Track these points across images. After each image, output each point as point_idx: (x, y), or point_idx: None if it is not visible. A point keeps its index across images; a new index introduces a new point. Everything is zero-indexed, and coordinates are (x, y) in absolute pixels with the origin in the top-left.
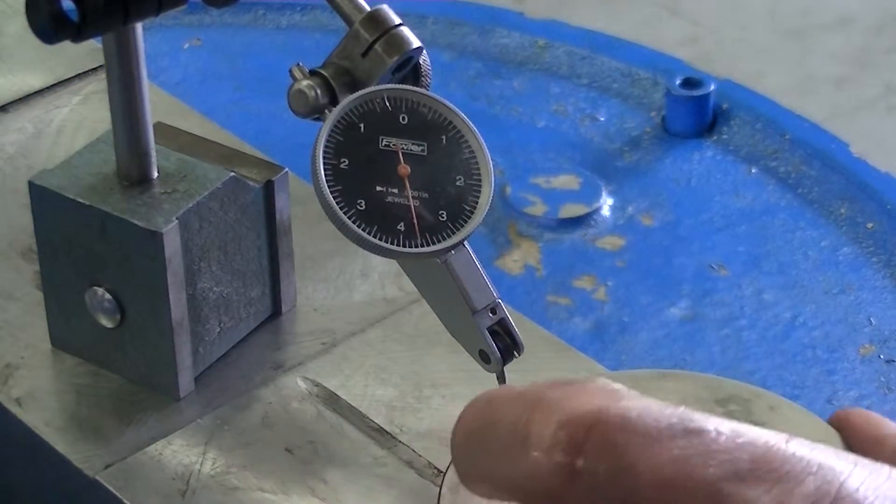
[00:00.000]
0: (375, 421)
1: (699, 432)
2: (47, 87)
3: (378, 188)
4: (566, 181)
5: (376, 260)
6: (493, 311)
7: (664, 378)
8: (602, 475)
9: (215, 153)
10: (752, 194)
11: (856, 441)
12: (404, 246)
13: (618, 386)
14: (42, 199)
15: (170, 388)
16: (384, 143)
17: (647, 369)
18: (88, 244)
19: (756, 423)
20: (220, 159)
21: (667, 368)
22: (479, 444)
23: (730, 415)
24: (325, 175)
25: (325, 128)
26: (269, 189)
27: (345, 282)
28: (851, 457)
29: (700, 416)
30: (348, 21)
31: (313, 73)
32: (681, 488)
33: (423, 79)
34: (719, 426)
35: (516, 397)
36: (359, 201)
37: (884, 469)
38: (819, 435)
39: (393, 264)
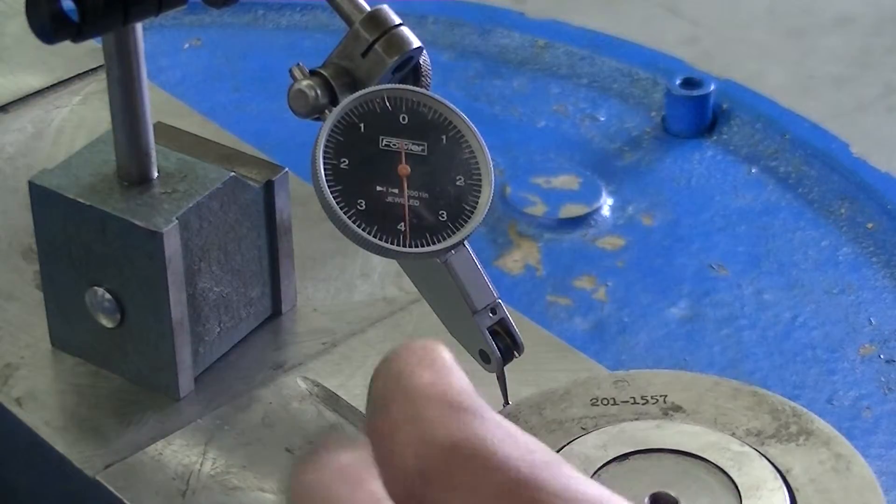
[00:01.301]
0: None
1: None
2: (47, 87)
3: (378, 188)
4: (566, 181)
5: (376, 260)
6: (493, 311)
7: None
8: None
9: (215, 153)
10: (752, 194)
11: None
12: (404, 246)
13: (502, 422)
14: (42, 199)
15: (170, 388)
16: (384, 143)
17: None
18: (88, 244)
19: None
20: (220, 159)
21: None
22: (372, 413)
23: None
24: (325, 175)
25: (325, 128)
26: (269, 189)
27: (345, 282)
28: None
29: (557, 479)
30: (348, 21)
31: (313, 73)
32: None
33: (423, 79)
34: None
35: (410, 397)
36: (359, 201)
37: None
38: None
39: (393, 264)
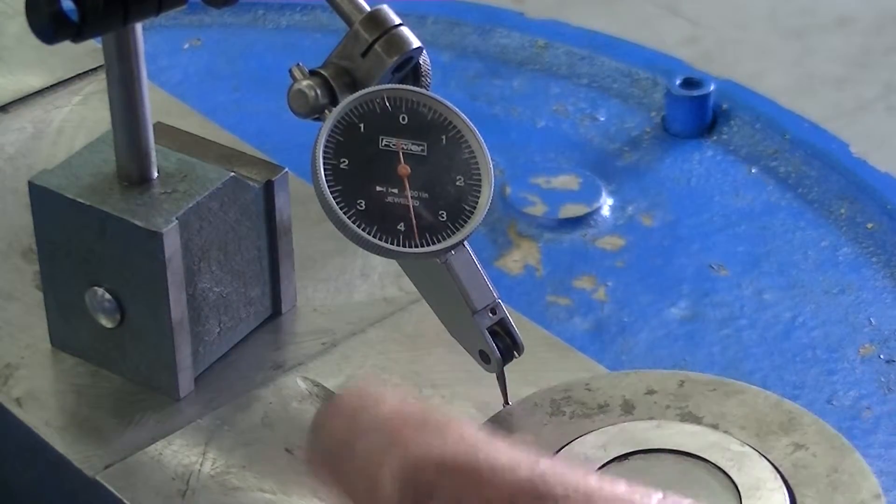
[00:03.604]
0: None
1: (546, 499)
2: (47, 87)
3: (378, 188)
4: (566, 181)
5: (376, 260)
6: (493, 311)
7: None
8: None
9: (215, 153)
10: (752, 194)
11: None
12: (404, 246)
13: (477, 432)
14: (42, 199)
15: (170, 388)
16: (384, 143)
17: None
18: (88, 244)
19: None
20: (220, 159)
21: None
22: (336, 456)
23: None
24: (325, 175)
25: (325, 128)
26: (269, 189)
27: (345, 282)
28: None
29: (560, 476)
30: (348, 21)
31: (313, 73)
32: None
33: (423, 79)
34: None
35: (378, 426)
36: (359, 201)
37: None
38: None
39: (393, 264)
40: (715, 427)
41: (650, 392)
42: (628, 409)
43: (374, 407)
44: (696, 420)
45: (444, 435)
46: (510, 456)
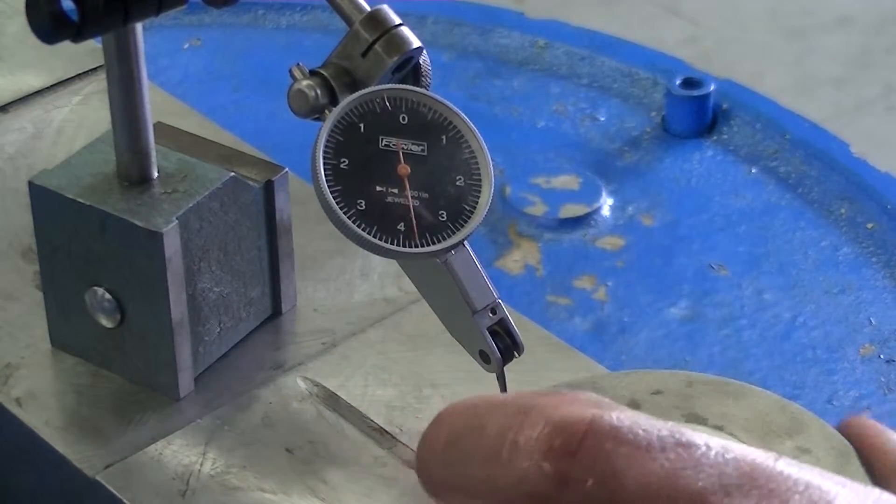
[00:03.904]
0: (375, 421)
1: (688, 445)
2: (47, 87)
3: (378, 188)
4: (566, 181)
5: (376, 260)
6: (493, 311)
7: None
8: (591, 484)
9: (215, 153)
10: (752, 194)
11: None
12: (404, 246)
13: (605, 398)
14: (42, 199)
15: (170, 388)
16: (384, 143)
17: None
18: (88, 244)
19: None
20: (220, 159)
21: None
22: (462, 451)
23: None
24: (325, 175)
25: (325, 128)
26: (269, 189)
27: (345, 282)
28: (839, 479)
29: (689, 431)
30: (348, 21)
31: (313, 73)
32: (668, 499)
33: (423, 79)
34: (709, 441)
35: (503, 404)
36: (359, 201)
37: (872, 492)
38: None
39: (393, 264)
40: (719, 429)
41: (657, 392)
42: (634, 409)
43: (494, 396)
44: (701, 421)
45: (576, 400)
46: (642, 416)
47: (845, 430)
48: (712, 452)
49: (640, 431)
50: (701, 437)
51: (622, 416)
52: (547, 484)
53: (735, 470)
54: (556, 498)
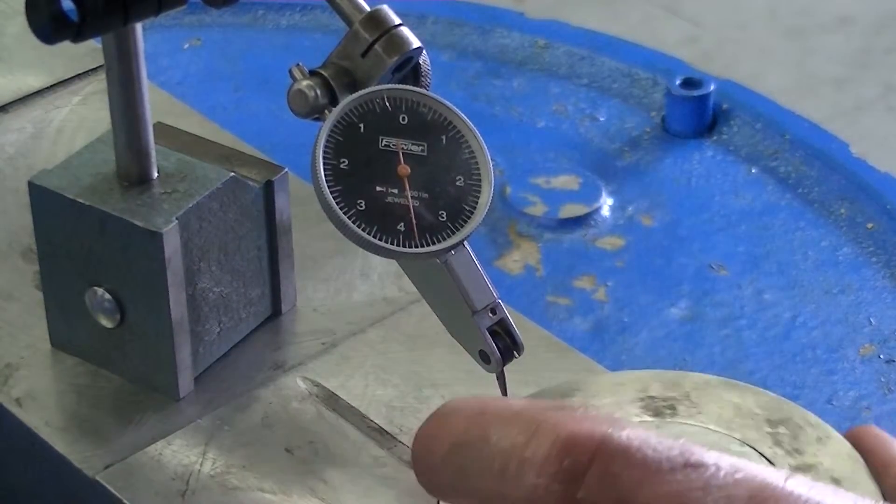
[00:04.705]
0: (375, 421)
1: (698, 466)
2: (47, 87)
3: (378, 188)
4: (566, 181)
5: (376, 260)
6: (493, 311)
7: (728, 388)
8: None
9: (215, 153)
10: (752, 194)
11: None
12: (404, 246)
13: (616, 415)
14: (42, 199)
15: (170, 388)
16: (384, 143)
17: (717, 377)
18: (88, 244)
19: (798, 451)
20: (220, 159)
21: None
22: (469, 459)
23: (776, 437)
24: (325, 175)
25: (325, 128)
26: (269, 189)
27: (345, 282)
28: (850, 497)
29: (700, 450)
30: (348, 21)
31: (313, 74)
32: None
33: (423, 79)
34: (718, 461)
35: (514, 415)
36: (359, 201)
37: None
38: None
39: (393, 264)
40: (716, 427)
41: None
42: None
43: (500, 403)
44: (698, 420)
45: (585, 416)
46: (649, 434)
47: (852, 440)
48: (722, 472)
49: (650, 452)
50: (711, 457)
51: (632, 435)
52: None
53: (745, 490)
54: None
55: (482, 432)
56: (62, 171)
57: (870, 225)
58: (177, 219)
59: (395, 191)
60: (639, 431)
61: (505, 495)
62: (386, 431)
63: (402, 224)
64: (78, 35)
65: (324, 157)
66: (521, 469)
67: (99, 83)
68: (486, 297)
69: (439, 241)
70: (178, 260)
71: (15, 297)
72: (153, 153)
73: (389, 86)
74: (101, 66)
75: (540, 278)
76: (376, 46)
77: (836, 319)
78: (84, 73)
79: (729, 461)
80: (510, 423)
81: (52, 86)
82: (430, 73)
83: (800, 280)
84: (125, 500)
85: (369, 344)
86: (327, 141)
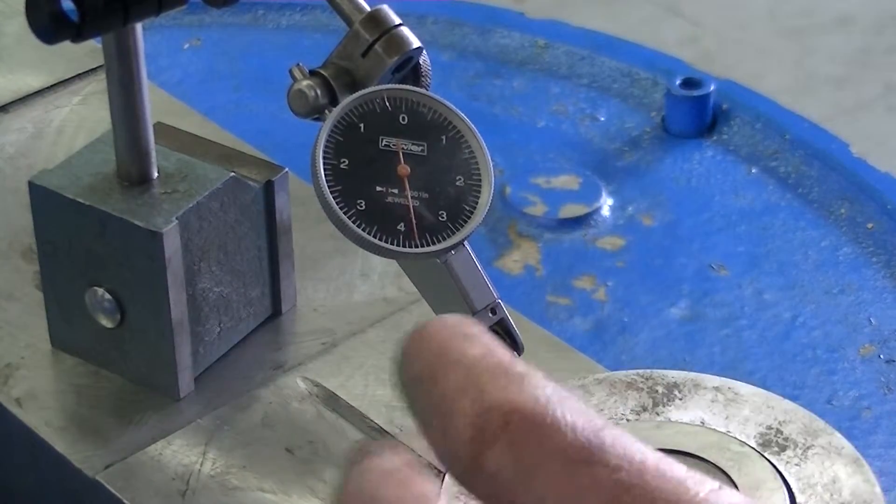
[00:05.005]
0: (375, 421)
1: (598, 463)
2: (47, 87)
3: (378, 188)
4: (566, 181)
5: (376, 260)
6: (493, 311)
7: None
8: (500, 481)
9: (215, 153)
10: (752, 194)
11: None
12: (404, 246)
13: (555, 387)
14: (42, 199)
15: (170, 388)
16: (384, 143)
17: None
18: (88, 244)
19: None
20: (220, 159)
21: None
22: (417, 389)
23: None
24: (325, 175)
25: (325, 128)
26: (269, 189)
27: (345, 282)
28: None
29: (622, 439)
30: (348, 21)
31: (313, 74)
32: None
33: (423, 79)
34: (629, 454)
35: (458, 364)
36: (359, 201)
37: None
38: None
39: (393, 264)
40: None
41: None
42: None
43: (463, 345)
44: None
45: (522, 384)
46: (578, 416)
47: None
48: (623, 473)
49: (571, 438)
50: (615, 453)
51: (559, 416)
52: (467, 463)
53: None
54: (469, 482)
55: (433, 373)
56: (62, 171)
57: (870, 225)
58: (177, 219)
59: (395, 191)
60: (571, 412)
61: (436, 442)
62: (386, 431)
63: (402, 224)
64: (78, 35)
65: (324, 157)
66: (449, 419)
67: (99, 83)
68: (486, 297)
69: (439, 241)
70: (179, 260)
71: (15, 297)
72: (153, 153)
73: (389, 86)
74: (101, 66)
75: (540, 278)
76: (376, 46)
77: (836, 319)
78: (84, 73)
79: (637, 457)
80: (457, 369)
81: (52, 86)
82: (430, 73)
83: (800, 280)
84: (125, 500)
85: (369, 344)
86: (327, 141)
